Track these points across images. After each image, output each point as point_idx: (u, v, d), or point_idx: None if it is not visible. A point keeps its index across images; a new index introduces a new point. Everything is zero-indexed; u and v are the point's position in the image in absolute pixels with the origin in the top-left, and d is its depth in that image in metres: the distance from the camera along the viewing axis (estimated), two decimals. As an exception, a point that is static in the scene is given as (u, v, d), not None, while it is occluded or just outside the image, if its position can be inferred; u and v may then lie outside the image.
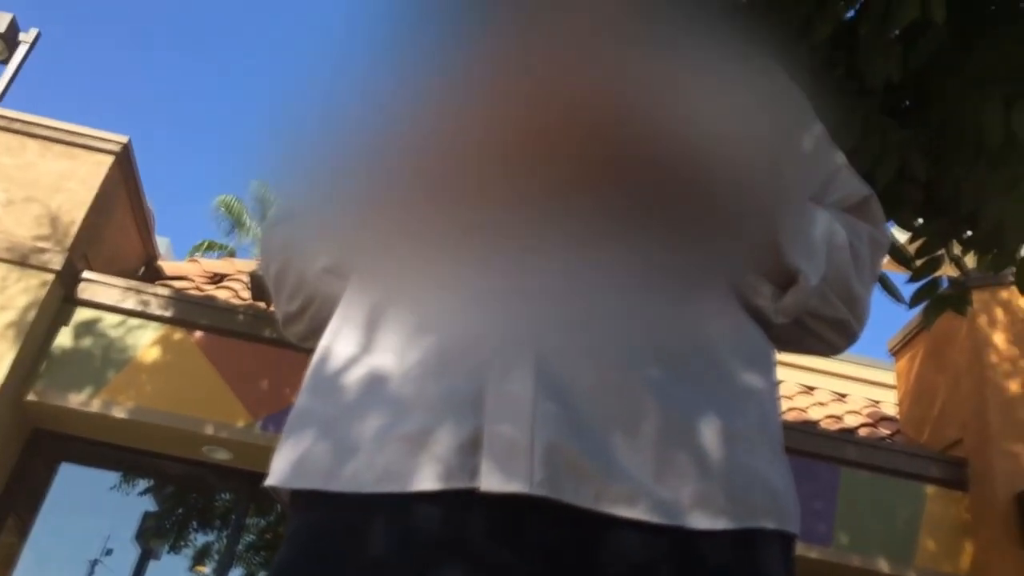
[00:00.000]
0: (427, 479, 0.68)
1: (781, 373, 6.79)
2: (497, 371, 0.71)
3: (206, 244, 16.09)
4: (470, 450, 0.68)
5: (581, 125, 0.77)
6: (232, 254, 15.16)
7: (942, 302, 2.45)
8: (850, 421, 6.50)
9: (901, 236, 2.70)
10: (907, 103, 2.23)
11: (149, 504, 5.90)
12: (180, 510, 5.97)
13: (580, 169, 0.78)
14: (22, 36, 7.03)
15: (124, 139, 5.72)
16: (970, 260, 2.53)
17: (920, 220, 2.31)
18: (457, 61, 0.88)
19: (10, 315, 4.99)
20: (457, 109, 0.82)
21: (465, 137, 0.80)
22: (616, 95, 0.78)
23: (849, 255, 0.87)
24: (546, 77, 0.79)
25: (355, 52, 0.96)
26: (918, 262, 2.36)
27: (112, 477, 5.78)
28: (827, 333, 0.89)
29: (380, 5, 0.98)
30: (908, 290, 2.42)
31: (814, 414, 6.53)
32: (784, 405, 6.56)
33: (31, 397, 5.04)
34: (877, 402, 7.13)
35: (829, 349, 0.93)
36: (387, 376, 0.75)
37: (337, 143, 0.89)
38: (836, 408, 6.79)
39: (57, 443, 5.43)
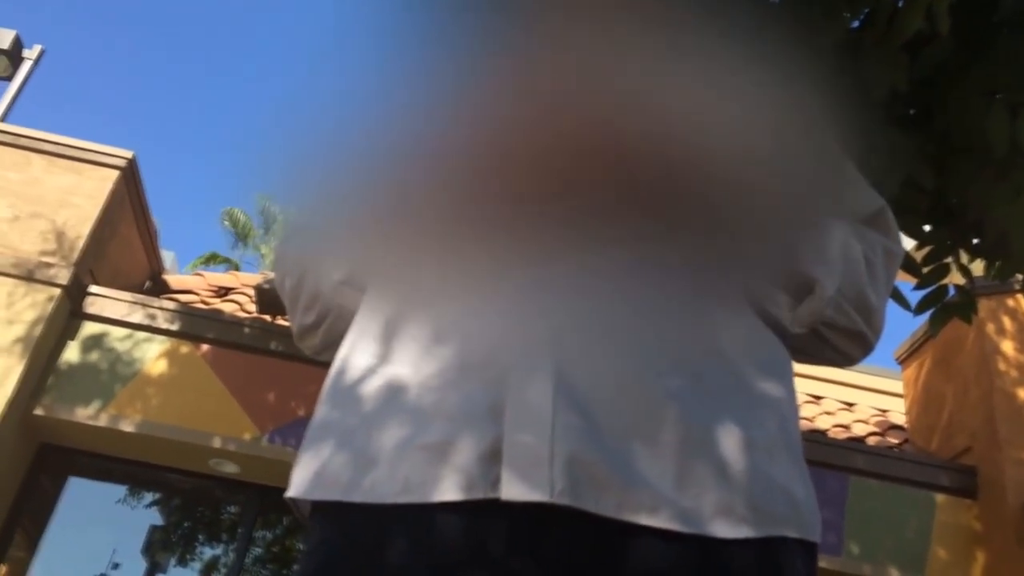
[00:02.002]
0: (449, 489, 0.69)
1: (789, 382, 6.76)
2: (516, 381, 0.71)
3: (209, 257, 16.12)
4: (491, 460, 0.69)
5: (599, 136, 0.77)
6: (237, 267, 15.19)
7: (948, 310, 2.44)
8: (858, 430, 6.47)
9: (908, 244, 2.70)
10: (913, 112, 2.23)
11: (156, 518, 5.88)
12: (187, 523, 5.96)
13: (596, 180, 0.78)
14: (26, 53, 7.07)
15: (129, 154, 5.73)
16: (977, 268, 2.53)
17: (927, 227, 2.30)
18: (472, 68, 0.88)
19: (17, 330, 5.00)
20: (471, 119, 0.82)
21: (479, 148, 0.80)
22: (637, 106, 0.78)
23: (864, 266, 0.88)
24: (564, 86, 0.80)
25: (369, 60, 0.96)
26: (925, 269, 2.35)
27: (119, 491, 5.77)
28: (842, 343, 0.89)
29: (396, 11, 0.97)
30: (915, 297, 2.42)
31: (822, 423, 6.51)
32: (791, 414, 6.52)
33: (39, 412, 5.04)
34: (885, 411, 7.10)
35: (844, 360, 0.93)
36: (406, 387, 0.75)
37: (351, 154, 0.89)
38: (844, 417, 6.76)
39: (65, 457, 5.43)
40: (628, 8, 0.89)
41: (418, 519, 0.69)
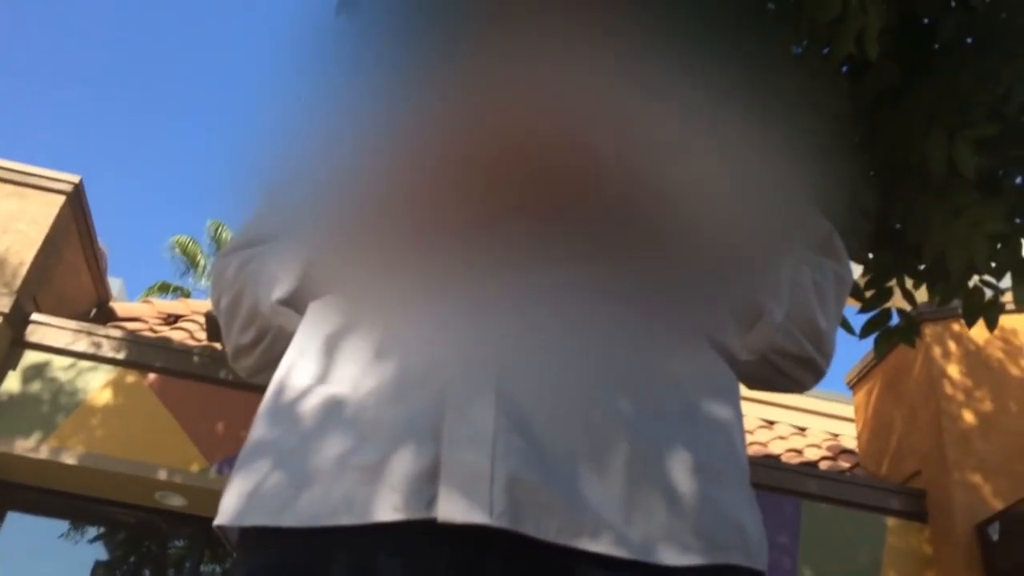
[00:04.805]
0: (385, 510, 0.66)
1: (741, 407, 6.82)
2: (457, 399, 0.69)
3: (160, 286, 15.91)
4: (428, 479, 0.66)
5: (552, 157, 0.76)
6: (187, 295, 14.99)
7: (891, 334, 2.47)
8: (811, 455, 6.52)
9: (853, 269, 2.73)
10: (858, 137, 2.27)
11: (100, 553, 5.72)
12: (132, 559, 5.81)
13: (547, 199, 0.77)
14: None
15: (76, 179, 5.63)
16: (923, 294, 2.57)
17: (870, 253, 2.34)
18: (425, 86, 0.88)
19: (-45, 359, 4.86)
20: (421, 136, 0.81)
21: (428, 163, 0.79)
22: (593, 128, 0.78)
23: (814, 292, 0.88)
24: (520, 104, 0.79)
25: (320, 77, 0.95)
26: (868, 294, 2.38)
27: (61, 526, 5.60)
28: (792, 370, 0.89)
29: (347, 25, 0.97)
30: (859, 322, 2.45)
31: (775, 448, 6.55)
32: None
33: (-24, 444, 4.89)
34: (836, 435, 7.17)
35: (795, 386, 0.92)
36: (345, 404, 0.73)
37: (298, 170, 0.88)
38: (796, 442, 6.82)
39: (3, 492, 5.26)
40: (585, 33, 0.89)
41: (354, 542, 0.66)
